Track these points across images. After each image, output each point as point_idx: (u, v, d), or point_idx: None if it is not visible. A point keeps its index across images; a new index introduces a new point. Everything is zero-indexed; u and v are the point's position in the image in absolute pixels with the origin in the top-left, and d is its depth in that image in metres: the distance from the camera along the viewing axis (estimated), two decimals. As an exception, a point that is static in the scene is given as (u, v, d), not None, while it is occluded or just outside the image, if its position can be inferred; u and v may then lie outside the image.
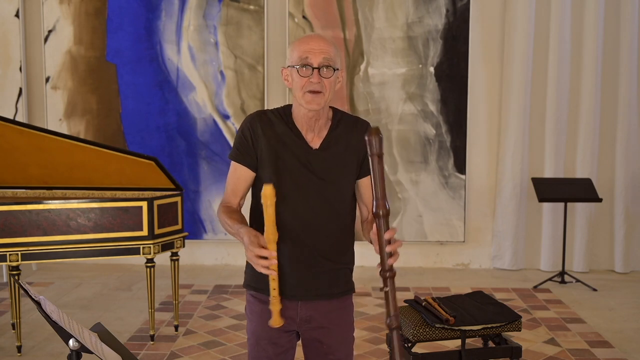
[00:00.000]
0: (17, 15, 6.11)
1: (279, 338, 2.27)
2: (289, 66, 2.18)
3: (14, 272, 3.93)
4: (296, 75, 2.15)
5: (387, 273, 1.88)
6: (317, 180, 2.19)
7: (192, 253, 6.26)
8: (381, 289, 1.90)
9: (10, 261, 3.89)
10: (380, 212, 1.90)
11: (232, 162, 2.24)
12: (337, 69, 2.17)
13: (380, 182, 1.89)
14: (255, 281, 2.27)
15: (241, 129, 2.22)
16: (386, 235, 1.90)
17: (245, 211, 2.26)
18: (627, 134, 6.06)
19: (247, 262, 2.33)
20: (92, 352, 1.71)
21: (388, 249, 1.90)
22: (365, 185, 2.26)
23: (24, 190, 4.57)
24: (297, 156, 2.19)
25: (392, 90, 6.12)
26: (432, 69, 6.10)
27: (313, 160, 2.19)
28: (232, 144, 6.56)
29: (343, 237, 2.27)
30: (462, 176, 6.13)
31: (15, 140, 4.23)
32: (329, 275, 2.25)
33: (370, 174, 1.92)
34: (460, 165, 6.15)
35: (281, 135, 2.18)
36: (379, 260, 1.92)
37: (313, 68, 2.12)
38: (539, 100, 6.12)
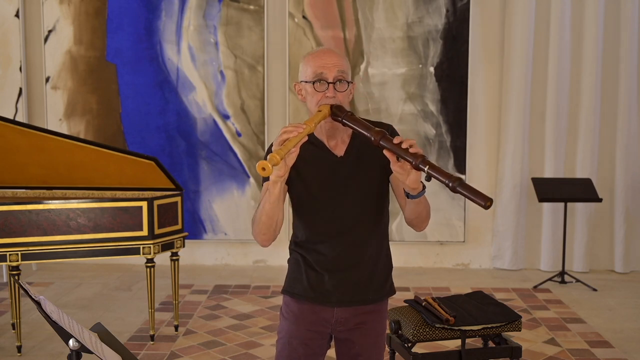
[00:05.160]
0: (17, 15, 6.11)
1: (312, 339, 2.27)
2: (302, 81, 2.18)
3: (14, 272, 3.93)
4: (311, 90, 2.14)
5: (418, 159, 1.96)
6: (345, 188, 2.19)
7: (192, 253, 6.26)
8: (427, 179, 1.96)
9: (10, 261, 3.89)
10: (379, 137, 1.99)
11: (265, 183, 2.12)
12: (351, 82, 2.18)
13: (360, 125, 2.04)
14: (291, 286, 2.28)
15: (268, 150, 2.15)
16: (395, 140, 1.97)
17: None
18: (627, 134, 6.05)
19: (288, 267, 2.32)
20: (92, 352, 1.71)
21: (404, 145, 1.95)
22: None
23: (24, 190, 4.56)
24: (323, 167, 2.19)
25: (392, 90, 6.11)
26: (432, 69, 6.10)
27: (340, 168, 2.19)
28: (232, 144, 6.56)
29: (376, 241, 2.27)
30: (462, 176, 6.13)
31: (15, 140, 4.23)
32: (365, 281, 2.25)
33: None
34: (460, 165, 6.15)
35: (305, 150, 2.11)
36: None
37: (328, 83, 2.12)
38: (539, 100, 6.11)
